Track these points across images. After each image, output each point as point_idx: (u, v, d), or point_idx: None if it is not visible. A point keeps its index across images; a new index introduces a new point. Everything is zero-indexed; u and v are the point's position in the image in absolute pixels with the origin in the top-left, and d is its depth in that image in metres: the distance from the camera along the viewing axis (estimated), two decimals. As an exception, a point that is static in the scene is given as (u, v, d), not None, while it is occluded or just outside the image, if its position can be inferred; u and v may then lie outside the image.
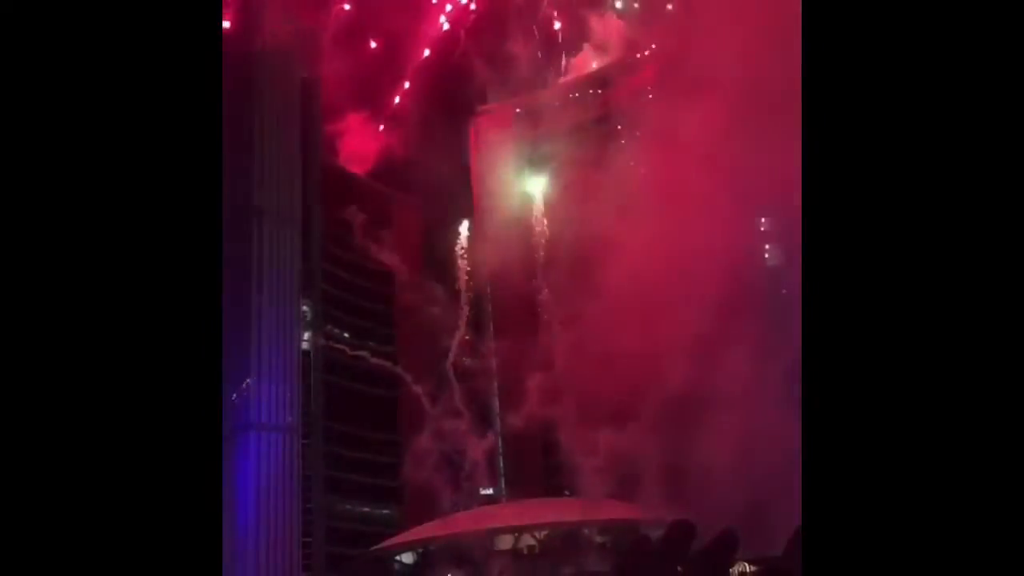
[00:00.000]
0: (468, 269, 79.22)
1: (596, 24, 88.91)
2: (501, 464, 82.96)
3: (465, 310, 77.94)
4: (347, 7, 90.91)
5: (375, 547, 70.30)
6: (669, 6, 79.46)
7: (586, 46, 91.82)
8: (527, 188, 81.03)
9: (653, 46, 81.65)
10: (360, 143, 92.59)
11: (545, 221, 75.03)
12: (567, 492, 75.11)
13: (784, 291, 64.96)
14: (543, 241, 74.71)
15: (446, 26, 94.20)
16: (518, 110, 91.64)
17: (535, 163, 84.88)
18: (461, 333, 76.99)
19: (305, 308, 79.62)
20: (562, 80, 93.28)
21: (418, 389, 78.06)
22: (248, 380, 73.01)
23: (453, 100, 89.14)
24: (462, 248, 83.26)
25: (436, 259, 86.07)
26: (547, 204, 74.87)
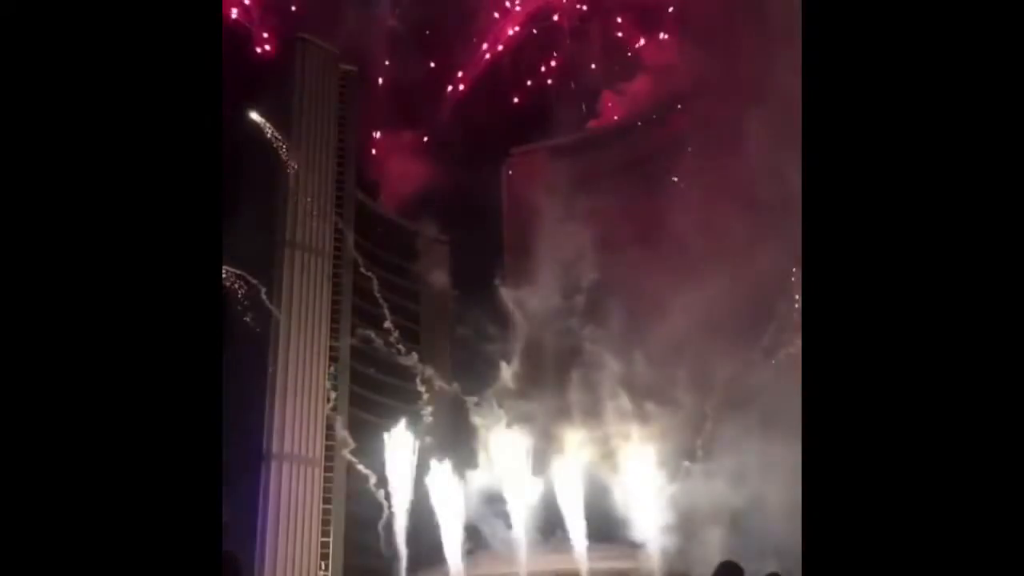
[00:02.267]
0: (504, 312, 78.99)
1: (652, 52, 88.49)
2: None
3: (516, 345, 77.37)
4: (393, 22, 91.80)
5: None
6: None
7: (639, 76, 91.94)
8: (562, 233, 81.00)
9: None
10: (395, 177, 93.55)
11: (583, 267, 74.40)
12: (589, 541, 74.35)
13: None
14: (583, 287, 73.98)
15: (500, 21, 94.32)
16: (554, 150, 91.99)
17: (572, 206, 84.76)
18: (506, 378, 76.56)
19: (333, 342, 79.86)
20: (603, 120, 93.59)
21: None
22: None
23: (490, 137, 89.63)
24: (494, 290, 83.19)
25: (464, 298, 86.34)
26: (586, 250, 74.16)
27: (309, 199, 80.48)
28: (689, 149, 77.51)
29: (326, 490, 74.86)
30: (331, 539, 74.33)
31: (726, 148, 65.62)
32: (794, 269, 71.54)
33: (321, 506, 74.32)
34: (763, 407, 56.13)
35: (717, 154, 67.22)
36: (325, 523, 74.35)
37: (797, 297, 72.49)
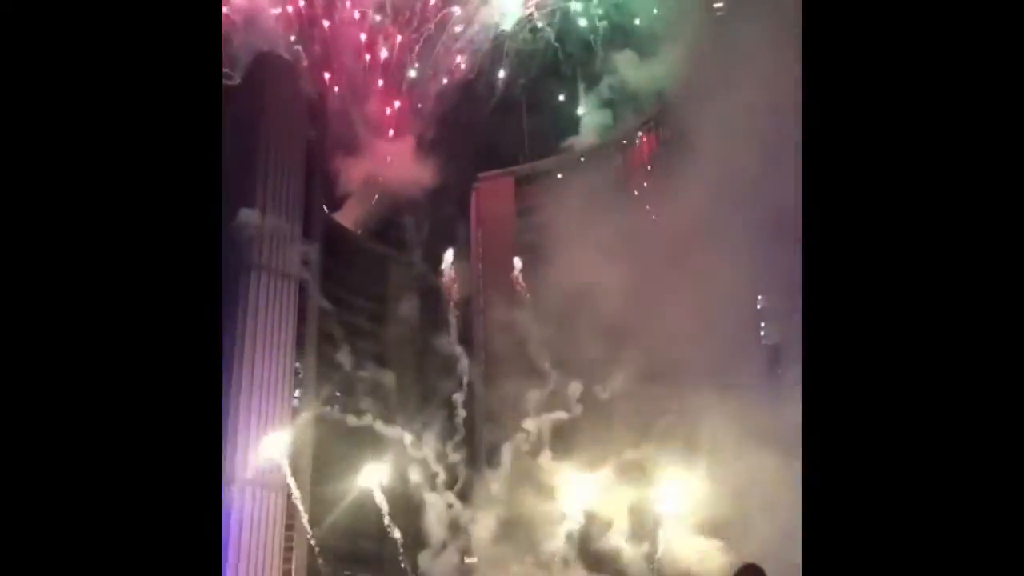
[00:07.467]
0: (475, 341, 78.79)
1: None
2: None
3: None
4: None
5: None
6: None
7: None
8: (529, 259, 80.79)
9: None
10: (364, 200, 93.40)
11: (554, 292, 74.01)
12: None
13: (779, 371, 65.01)
14: (552, 315, 73.51)
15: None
16: (520, 176, 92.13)
17: (537, 232, 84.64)
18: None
19: (298, 365, 79.22)
20: (570, 144, 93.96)
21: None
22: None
23: (459, 160, 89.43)
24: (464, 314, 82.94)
25: (432, 323, 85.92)
26: (550, 275, 73.80)
27: (276, 221, 80.00)
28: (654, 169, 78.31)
29: (289, 516, 74.02)
30: (293, 565, 73.55)
31: (698, 172, 65.96)
32: (759, 296, 72.00)
33: (283, 532, 73.48)
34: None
35: (688, 176, 67.46)
36: (287, 549, 73.51)
37: (763, 324, 72.84)
